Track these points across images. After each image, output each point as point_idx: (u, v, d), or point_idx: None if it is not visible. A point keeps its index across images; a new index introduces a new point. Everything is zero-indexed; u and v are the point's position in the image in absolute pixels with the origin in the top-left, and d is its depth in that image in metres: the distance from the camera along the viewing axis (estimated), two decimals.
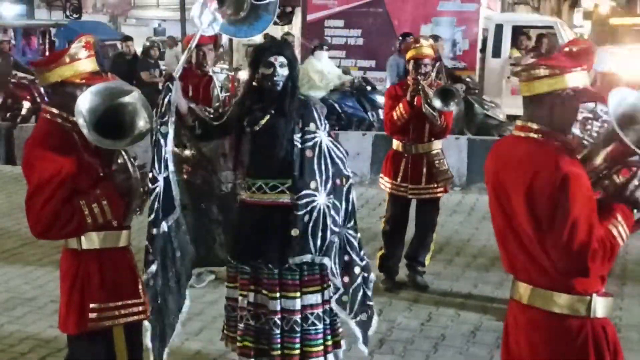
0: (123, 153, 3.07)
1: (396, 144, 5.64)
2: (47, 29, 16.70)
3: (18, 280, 5.92)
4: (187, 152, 3.97)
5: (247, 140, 3.86)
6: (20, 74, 12.86)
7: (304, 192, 3.72)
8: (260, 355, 3.87)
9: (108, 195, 3.01)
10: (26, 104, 12.13)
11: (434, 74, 5.64)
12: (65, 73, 3.02)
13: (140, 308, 3.17)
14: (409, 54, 5.48)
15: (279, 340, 3.80)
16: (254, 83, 3.85)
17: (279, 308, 3.78)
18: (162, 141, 3.55)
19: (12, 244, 6.80)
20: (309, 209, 3.72)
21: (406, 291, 5.67)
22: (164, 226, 3.57)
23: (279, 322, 3.79)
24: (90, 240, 3.05)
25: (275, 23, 18.79)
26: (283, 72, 3.75)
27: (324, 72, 10.60)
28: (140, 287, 3.21)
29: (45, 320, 5.08)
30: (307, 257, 3.76)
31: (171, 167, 3.63)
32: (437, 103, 5.26)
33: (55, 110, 3.07)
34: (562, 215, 2.39)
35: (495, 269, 6.16)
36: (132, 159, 3.09)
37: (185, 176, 4.01)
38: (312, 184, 3.73)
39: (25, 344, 4.77)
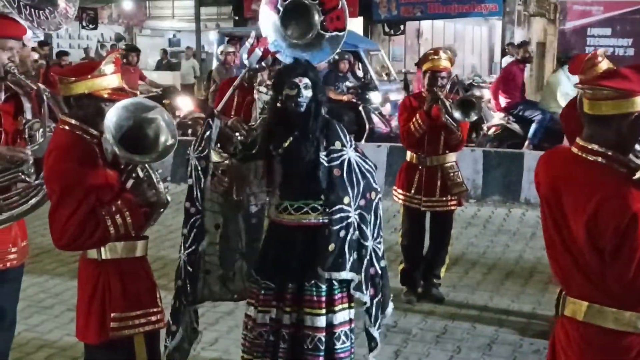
0: (147, 166, 3.08)
1: (410, 155, 5.64)
2: None
3: (34, 288, 5.96)
4: (227, 162, 3.97)
5: (277, 162, 3.89)
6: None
7: (338, 206, 3.72)
8: None
9: (130, 206, 3.01)
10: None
11: (448, 86, 5.65)
12: (93, 86, 3.03)
13: (159, 316, 3.18)
14: (426, 66, 5.47)
15: (282, 354, 3.78)
16: (278, 104, 3.85)
17: (288, 322, 3.79)
18: (201, 175, 3.73)
19: (29, 253, 6.82)
20: (344, 224, 3.72)
21: (421, 303, 5.67)
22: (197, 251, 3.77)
23: (286, 336, 3.79)
24: (110, 250, 3.06)
25: (386, 33, 18.52)
26: (307, 93, 3.74)
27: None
28: (157, 295, 3.23)
29: (62, 329, 5.12)
30: (343, 275, 3.77)
31: (208, 201, 3.79)
32: (457, 114, 5.27)
33: (75, 122, 3.06)
34: (630, 252, 2.30)
35: (511, 282, 6.16)
36: (155, 172, 3.11)
37: (220, 188, 3.97)
38: (346, 199, 3.74)
39: (42, 352, 4.81)
